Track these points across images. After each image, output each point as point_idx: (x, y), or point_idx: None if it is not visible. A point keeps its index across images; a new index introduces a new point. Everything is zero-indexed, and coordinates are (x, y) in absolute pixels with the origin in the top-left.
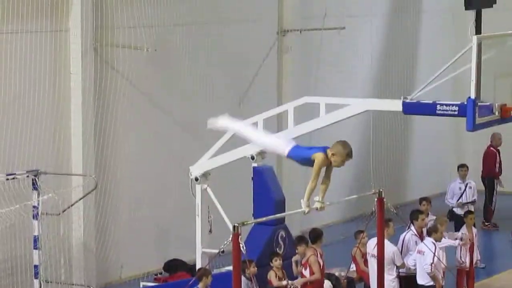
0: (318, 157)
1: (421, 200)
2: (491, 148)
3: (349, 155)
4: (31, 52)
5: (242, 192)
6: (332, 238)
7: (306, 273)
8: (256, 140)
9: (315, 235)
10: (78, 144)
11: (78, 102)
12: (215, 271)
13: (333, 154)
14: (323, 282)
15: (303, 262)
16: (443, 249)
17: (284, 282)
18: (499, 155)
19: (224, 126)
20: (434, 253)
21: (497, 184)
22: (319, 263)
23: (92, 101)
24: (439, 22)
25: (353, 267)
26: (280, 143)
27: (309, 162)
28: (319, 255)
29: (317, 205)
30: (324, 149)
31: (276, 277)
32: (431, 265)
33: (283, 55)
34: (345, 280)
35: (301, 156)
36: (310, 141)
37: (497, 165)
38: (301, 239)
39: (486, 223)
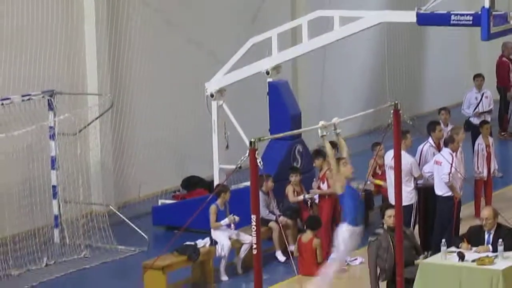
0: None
1: (440, 110)
2: (503, 58)
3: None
4: None
5: (258, 108)
6: (349, 151)
7: (324, 186)
8: None
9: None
10: (93, 64)
11: (91, 21)
12: (233, 187)
13: None
14: None
15: (320, 176)
16: (461, 158)
17: (301, 197)
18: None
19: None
20: (452, 164)
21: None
22: None
23: (106, 20)
24: None
25: (371, 179)
26: None
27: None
28: None
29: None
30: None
31: (294, 191)
32: (448, 174)
33: None
34: (363, 193)
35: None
36: (325, 55)
37: (510, 74)
38: (318, 153)
39: (503, 133)
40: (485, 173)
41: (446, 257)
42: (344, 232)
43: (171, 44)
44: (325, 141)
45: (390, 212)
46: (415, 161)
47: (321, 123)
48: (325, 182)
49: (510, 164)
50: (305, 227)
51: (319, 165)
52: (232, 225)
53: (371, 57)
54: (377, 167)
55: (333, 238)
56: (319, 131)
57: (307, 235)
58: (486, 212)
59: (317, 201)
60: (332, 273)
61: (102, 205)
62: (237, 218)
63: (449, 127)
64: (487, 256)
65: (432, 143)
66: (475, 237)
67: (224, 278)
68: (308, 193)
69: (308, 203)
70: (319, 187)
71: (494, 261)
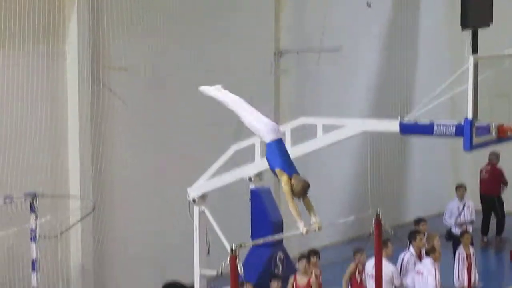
0: (283, 178)
1: (417, 221)
2: (490, 166)
3: (303, 190)
4: (27, 77)
5: (240, 214)
6: (330, 259)
7: None
8: (243, 118)
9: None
10: (75, 167)
11: (75, 125)
12: None
13: (292, 185)
14: None
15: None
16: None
17: None
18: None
19: (216, 96)
20: (435, 274)
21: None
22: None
23: (89, 124)
24: (436, 41)
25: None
26: (262, 129)
27: (273, 171)
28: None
29: (315, 226)
30: (290, 172)
31: None
32: (435, 286)
33: (280, 77)
34: None
35: (272, 159)
36: (306, 161)
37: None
38: (302, 257)
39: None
40: (465, 283)
41: None
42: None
43: (154, 149)
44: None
45: None
46: (396, 269)
47: (300, 225)
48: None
49: (491, 274)
50: None
51: (302, 269)
52: None
53: (353, 164)
54: (357, 273)
55: None
56: (300, 226)
57: None
58: None
59: None
60: None
61: None
62: None
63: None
64: None
65: (413, 252)
66: None
67: None
68: None
69: None
70: None
71: None
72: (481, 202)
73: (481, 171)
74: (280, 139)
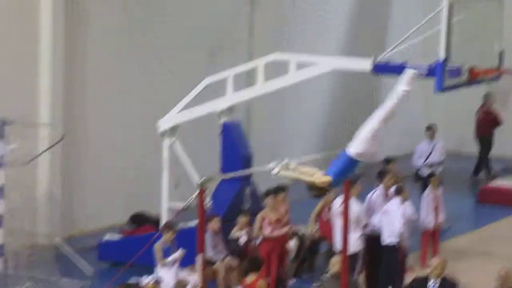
0: (326, 179)
1: (387, 161)
2: (485, 108)
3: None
4: None
5: (210, 147)
6: (299, 195)
7: (268, 230)
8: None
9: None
10: (45, 94)
11: (47, 51)
12: (181, 225)
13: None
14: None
15: (269, 220)
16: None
17: (238, 233)
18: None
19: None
20: (402, 214)
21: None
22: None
23: (62, 50)
24: None
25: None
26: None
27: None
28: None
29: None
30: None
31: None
32: (401, 226)
33: (255, 9)
34: (309, 238)
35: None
36: (280, 97)
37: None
38: (268, 193)
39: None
40: (432, 224)
41: None
42: None
43: (126, 79)
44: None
45: (336, 259)
46: (363, 209)
47: (272, 165)
48: (271, 225)
49: (458, 215)
50: (247, 269)
51: (270, 205)
52: (176, 263)
53: (325, 102)
54: (326, 211)
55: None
56: (276, 168)
57: (251, 277)
58: (436, 259)
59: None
60: None
61: (48, 237)
62: (181, 253)
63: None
64: None
65: (382, 191)
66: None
67: None
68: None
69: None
70: (262, 228)
71: None
72: (477, 143)
73: (476, 113)
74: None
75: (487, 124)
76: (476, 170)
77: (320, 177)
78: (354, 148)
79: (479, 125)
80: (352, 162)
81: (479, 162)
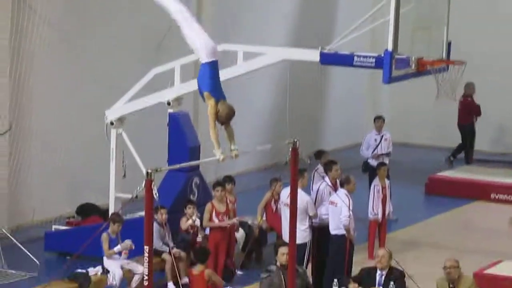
0: (210, 102)
1: (319, 153)
2: (468, 98)
3: (228, 117)
4: None
5: (158, 138)
6: (246, 186)
7: (216, 220)
8: (183, 30)
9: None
10: None
11: None
12: (128, 216)
13: (218, 110)
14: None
15: (219, 211)
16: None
17: (190, 221)
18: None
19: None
20: (349, 206)
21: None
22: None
23: (7, 42)
24: None
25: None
26: (201, 51)
27: (201, 93)
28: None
29: (233, 153)
30: (218, 97)
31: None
32: (348, 217)
33: (201, 0)
34: (257, 229)
35: (202, 81)
36: (227, 88)
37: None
38: (217, 184)
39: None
40: (380, 215)
41: None
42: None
43: (73, 69)
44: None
45: (283, 250)
46: (310, 199)
47: (216, 153)
48: (219, 216)
49: (405, 207)
50: (194, 259)
51: (218, 196)
52: (123, 254)
53: (272, 94)
54: (273, 202)
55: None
56: (216, 154)
57: (198, 268)
58: (381, 251)
59: (207, 232)
60: None
61: None
62: (128, 242)
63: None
64: None
65: (329, 182)
66: (366, 279)
67: None
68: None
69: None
70: (210, 219)
71: None
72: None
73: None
74: (216, 61)
75: (467, 113)
76: (454, 153)
77: (209, 108)
78: (203, 54)
79: (460, 114)
80: (211, 66)
81: (459, 147)
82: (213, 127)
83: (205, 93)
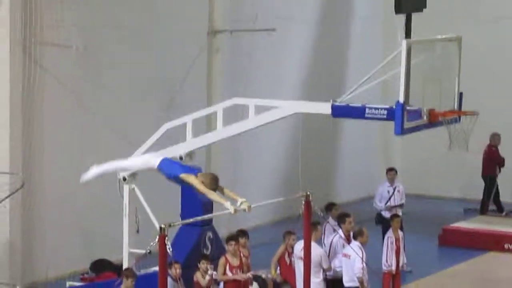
0: (192, 179)
1: (330, 206)
2: (492, 147)
3: (215, 182)
4: None
5: (170, 193)
6: (259, 240)
7: (229, 273)
8: (127, 166)
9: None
10: (4, 142)
11: (5, 101)
12: (142, 271)
13: (202, 182)
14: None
15: (231, 265)
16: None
17: (207, 277)
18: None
19: (96, 173)
20: (362, 258)
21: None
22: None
23: (19, 99)
24: (370, 26)
25: (279, 269)
26: (149, 158)
27: (177, 180)
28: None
29: (244, 205)
30: (195, 172)
31: (202, 278)
32: (361, 269)
33: (213, 56)
34: (271, 282)
35: (171, 171)
36: (239, 142)
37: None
38: (231, 238)
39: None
40: (393, 267)
41: None
42: None
43: (85, 125)
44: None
45: None
46: (324, 252)
47: (228, 206)
48: (233, 270)
49: (420, 258)
50: None
51: (231, 250)
52: None
53: (284, 146)
54: (287, 255)
55: None
56: (228, 207)
57: None
58: None
59: (221, 286)
60: None
61: (8, 285)
62: None
63: None
64: None
65: (342, 235)
66: None
67: None
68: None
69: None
70: (224, 273)
71: None
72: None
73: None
74: (165, 157)
75: (491, 163)
76: (482, 209)
77: (196, 185)
78: (153, 159)
79: (484, 164)
80: (167, 160)
81: (483, 201)
82: (210, 192)
83: (182, 175)
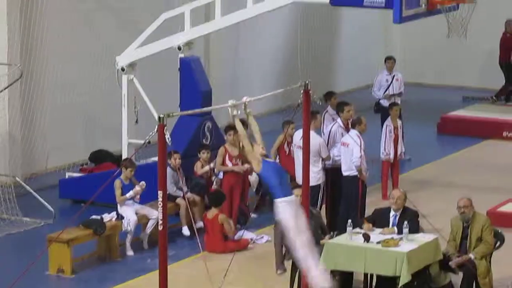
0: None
1: (328, 95)
2: (507, 34)
3: None
4: None
5: (169, 83)
6: (260, 130)
7: (229, 163)
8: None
9: None
10: (2, 32)
11: None
12: (141, 162)
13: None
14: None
15: (232, 155)
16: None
17: (207, 167)
18: None
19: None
20: (360, 146)
21: None
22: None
23: None
24: None
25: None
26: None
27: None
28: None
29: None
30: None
31: (202, 168)
32: (359, 158)
33: None
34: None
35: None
36: (238, 32)
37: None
38: (230, 128)
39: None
40: (392, 155)
41: (351, 238)
42: (281, 208)
43: (87, 12)
44: (236, 121)
45: (297, 192)
46: (323, 141)
47: (231, 102)
48: (233, 160)
49: (418, 147)
50: (209, 204)
51: (230, 140)
52: (136, 199)
53: (284, 36)
54: (286, 144)
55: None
56: (230, 110)
57: (212, 212)
58: (397, 192)
59: (221, 176)
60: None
61: (8, 176)
62: (138, 188)
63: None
64: (392, 238)
65: (341, 123)
66: (380, 219)
67: (130, 253)
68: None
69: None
70: (223, 163)
71: (399, 243)
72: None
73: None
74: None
75: (507, 49)
76: (498, 94)
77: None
78: None
79: (500, 51)
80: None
81: (504, 86)
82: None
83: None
